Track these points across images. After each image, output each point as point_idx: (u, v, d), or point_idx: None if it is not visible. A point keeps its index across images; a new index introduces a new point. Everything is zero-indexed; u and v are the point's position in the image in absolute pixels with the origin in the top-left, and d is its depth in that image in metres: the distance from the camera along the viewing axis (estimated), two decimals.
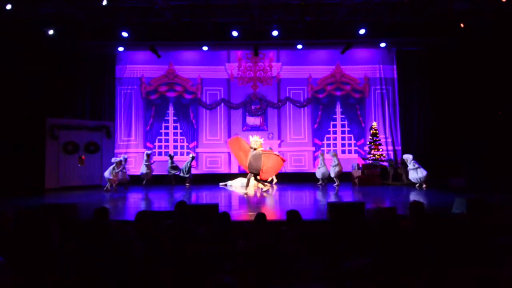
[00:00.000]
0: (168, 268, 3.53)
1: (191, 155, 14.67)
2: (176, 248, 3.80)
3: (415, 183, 12.86)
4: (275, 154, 12.39)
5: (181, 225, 4.35)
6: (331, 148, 16.08)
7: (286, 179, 14.84)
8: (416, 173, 12.75)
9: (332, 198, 10.96)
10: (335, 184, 13.67)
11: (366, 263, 3.53)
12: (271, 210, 8.98)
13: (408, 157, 13.11)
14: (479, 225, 4.84)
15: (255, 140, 11.96)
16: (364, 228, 4.46)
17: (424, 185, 12.59)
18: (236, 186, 14.29)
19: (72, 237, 4.13)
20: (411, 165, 12.88)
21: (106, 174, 12.98)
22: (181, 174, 14.37)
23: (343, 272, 3.59)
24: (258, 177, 12.20)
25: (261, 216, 4.88)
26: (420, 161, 13.10)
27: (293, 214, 4.87)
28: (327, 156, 14.37)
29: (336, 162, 13.77)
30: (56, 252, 3.45)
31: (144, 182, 14.14)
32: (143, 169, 14.14)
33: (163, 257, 3.67)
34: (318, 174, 14.27)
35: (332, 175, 13.81)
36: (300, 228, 4.59)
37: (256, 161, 11.79)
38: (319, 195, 11.89)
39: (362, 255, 3.88)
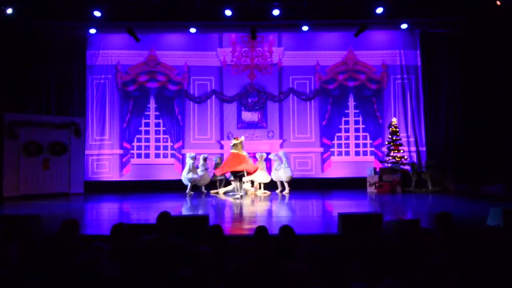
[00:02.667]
0: None
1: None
2: (157, 268, 3.79)
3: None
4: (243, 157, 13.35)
5: (163, 240, 4.35)
6: (343, 149, 16.11)
7: (289, 186, 14.80)
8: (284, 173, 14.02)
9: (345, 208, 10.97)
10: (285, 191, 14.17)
11: (384, 286, 3.53)
12: (273, 222, 8.97)
13: (282, 153, 14.34)
14: None
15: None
16: (382, 244, 4.46)
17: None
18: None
19: (34, 254, 4.12)
20: (285, 163, 14.06)
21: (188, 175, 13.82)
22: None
23: None
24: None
25: (261, 230, 4.88)
26: (449, 164, 13.09)
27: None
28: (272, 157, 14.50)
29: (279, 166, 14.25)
30: (14, 271, 3.44)
31: (203, 188, 14.32)
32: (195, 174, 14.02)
33: (140, 279, 3.66)
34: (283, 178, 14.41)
35: (283, 178, 14.23)
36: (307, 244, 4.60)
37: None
38: (327, 204, 11.90)
39: (379, 276, 3.89)
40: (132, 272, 3.83)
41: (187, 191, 13.86)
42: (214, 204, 12.34)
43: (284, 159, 14.08)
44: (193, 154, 14.16)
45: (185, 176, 13.96)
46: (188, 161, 13.96)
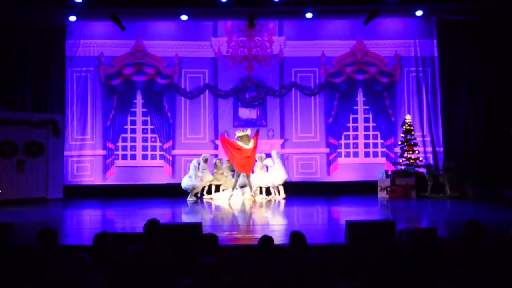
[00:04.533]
0: None
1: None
2: (144, 281, 3.79)
3: None
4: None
5: (151, 251, 4.35)
6: (351, 150, 16.11)
7: (291, 190, 14.82)
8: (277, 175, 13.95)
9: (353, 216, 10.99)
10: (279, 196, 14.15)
11: None
12: (271, 231, 8.98)
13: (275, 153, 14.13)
14: None
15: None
16: (395, 255, 4.46)
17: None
18: (224, 199, 14.25)
19: (7, 266, 4.11)
20: (277, 164, 13.93)
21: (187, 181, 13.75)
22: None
23: None
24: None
25: (266, 241, 4.91)
26: (469, 166, 13.03)
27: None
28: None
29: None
30: None
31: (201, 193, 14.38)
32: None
33: None
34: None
35: (277, 182, 14.20)
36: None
37: None
38: (333, 211, 11.91)
39: None
40: (118, 286, 3.83)
41: (188, 197, 13.74)
42: (208, 210, 12.34)
43: (276, 160, 13.97)
44: (196, 160, 14.00)
45: (184, 181, 13.89)
46: (191, 169, 13.81)
